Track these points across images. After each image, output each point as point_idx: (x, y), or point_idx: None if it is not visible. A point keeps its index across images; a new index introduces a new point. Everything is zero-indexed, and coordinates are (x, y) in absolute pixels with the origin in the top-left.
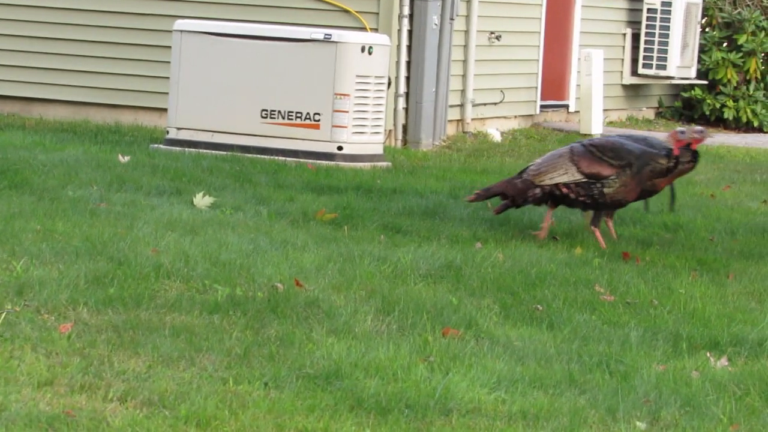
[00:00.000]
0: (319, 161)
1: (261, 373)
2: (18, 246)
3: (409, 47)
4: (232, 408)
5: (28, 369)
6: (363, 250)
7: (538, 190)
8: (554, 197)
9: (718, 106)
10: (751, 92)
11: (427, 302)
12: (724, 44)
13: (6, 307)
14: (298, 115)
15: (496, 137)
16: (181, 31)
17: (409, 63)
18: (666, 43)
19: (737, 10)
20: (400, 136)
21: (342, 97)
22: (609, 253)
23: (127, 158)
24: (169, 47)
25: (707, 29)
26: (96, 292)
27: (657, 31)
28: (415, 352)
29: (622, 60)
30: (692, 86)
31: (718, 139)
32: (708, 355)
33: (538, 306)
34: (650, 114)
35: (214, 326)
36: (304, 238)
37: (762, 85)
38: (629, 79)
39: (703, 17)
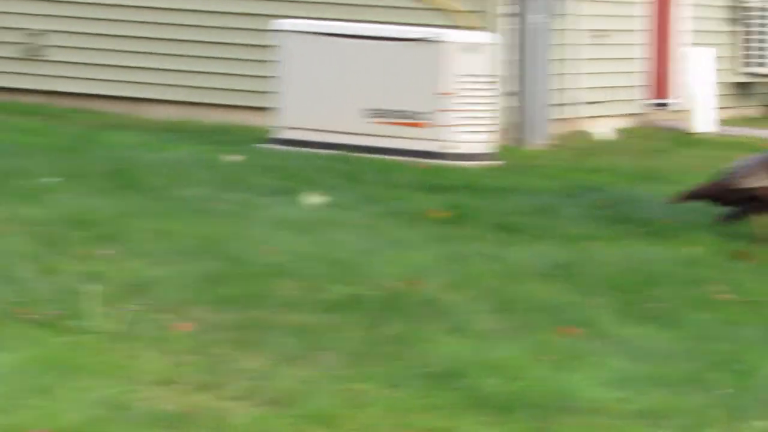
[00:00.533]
0: (426, 160)
1: (380, 371)
2: (135, 245)
3: (515, 46)
4: (352, 406)
5: (149, 367)
6: (476, 248)
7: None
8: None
9: None
10: None
11: (542, 300)
12: None
13: (126, 306)
14: (404, 114)
15: (604, 136)
16: (287, 31)
17: (515, 61)
18: None
19: None
20: (507, 134)
21: (447, 96)
22: (723, 252)
23: (237, 158)
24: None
25: None
26: (213, 291)
27: (765, 29)
28: (534, 350)
29: (730, 58)
30: None
31: None
32: None
33: (655, 305)
34: (757, 112)
35: (332, 325)
36: (416, 236)
37: None
38: (736, 77)
39: None
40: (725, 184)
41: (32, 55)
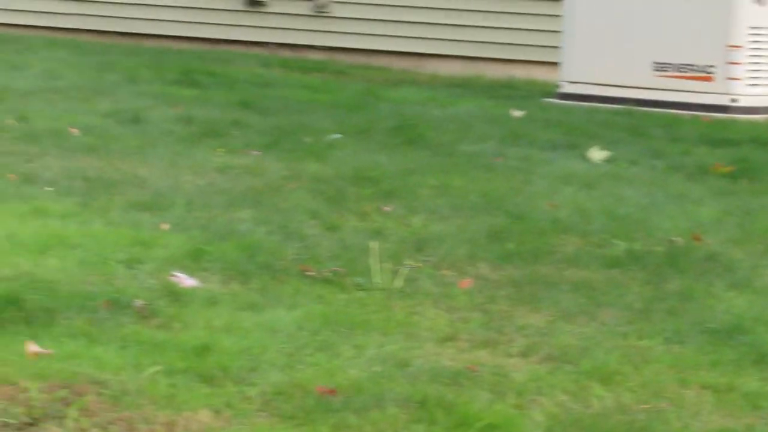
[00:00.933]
0: (712, 114)
1: (662, 327)
2: (415, 201)
3: None
4: (634, 363)
5: (429, 324)
6: (761, 203)
7: None
8: None
9: None
10: None
11: None
12: None
13: (406, 263)
14: (691, 67)
15: None
16: None
17: None
18: None
19: None
20: None
21: (735, 48)
22: None
23: (520, 113)
24: (561, 1)
25: None
26: (494, 247)
27: None
28: None
29: None
30: None
31: None
32: None
33: None
34: None
35: (613, 281)
36: (700, 191)
37: None
38: None
39: None
40: None
41: (318, 12)
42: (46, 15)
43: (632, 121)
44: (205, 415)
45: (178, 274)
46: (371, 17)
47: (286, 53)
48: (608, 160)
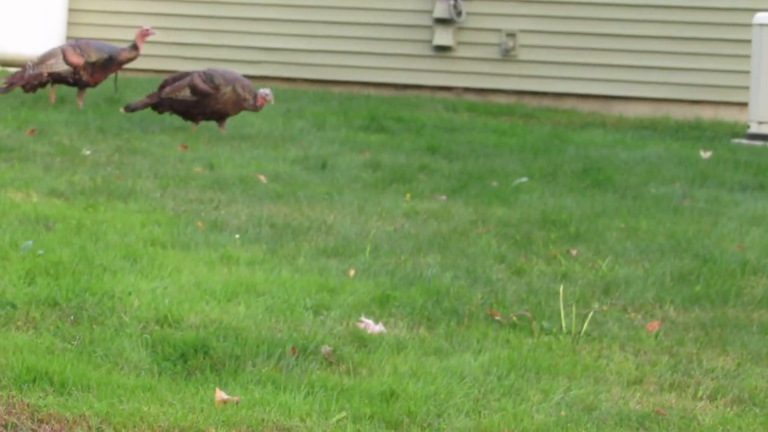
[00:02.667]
0: None
1: None
2: (603, 244)
3: None
4: None
5: (617, 368)
6: None
7: None
8: None
9: None
10: None
11: None
12: None
13: (593, 306)
14: None
15: None
16: (762, 24)
17: None
18: None
19: None
20: None
21: None
22: None
23: (708, 154)
24: (749, 41)
25: None
26: (682, 289)
27: None
28: None
29: None
30: None
31: None
32: None
33: None
34: None
35: None
36: None
37: None
38: None
39: None
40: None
41: (505, 56)
42: (234, 63)
43: None
44: None
45: (365, 320)
46: (558, 60)
47: (473, 97)
48: None
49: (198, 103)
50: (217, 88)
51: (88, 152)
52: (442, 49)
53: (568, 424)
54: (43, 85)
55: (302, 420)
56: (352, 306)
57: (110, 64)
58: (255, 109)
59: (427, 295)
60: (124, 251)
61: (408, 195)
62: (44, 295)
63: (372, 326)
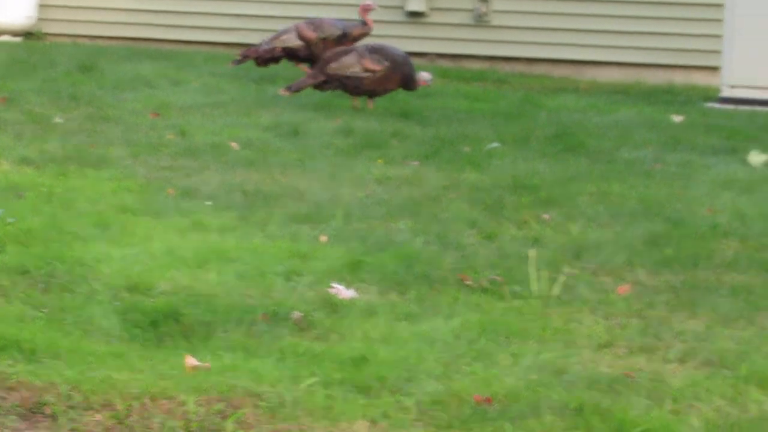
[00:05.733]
0: None
1: None
2: (574, 209)
3: None
4: None
5: (587, 331)
6: None
7: None
8: None
9: None
10: None
11: None
12: None
13: (564, 270)
14: None
15: None
16: None
17: None
18: None
19: None
20: None
21: None
22: None
23: (680, 118)
24: (721, 5)
25: None
26: (652, 253)
27: None
28: None
29: None
30: None
31: None
32: None
33: None
34: None
35: None
36: None
37: None
38: None
39: None
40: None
41: (478, 21)
42: (206, 30)
43: None
44: (361, 426)
45: (336, 286)
46: (530, 25)
47: (446, 63)
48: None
49: (367, 80)
50: (392, 66)
51: (59, 120)
52: (415, 15)
53: (538, 388)
54: (275, 59)
55: (272, 386)
56: (323, 272)
57: (343, 39)
58: (414, 89)
59: (399, 260)
60: (95, 219)
61: (380, 161)
62: (14, 263)
63: (343, 292)
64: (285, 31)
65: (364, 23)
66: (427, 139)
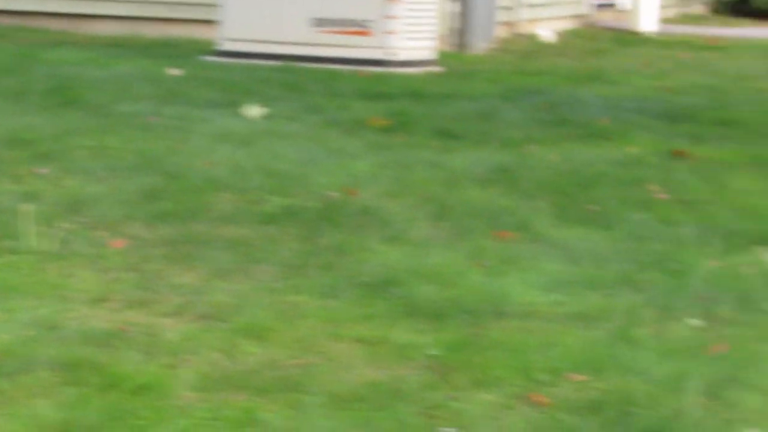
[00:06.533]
0: (371, 68)
1: (316, 283)
2: (71, 163)
3: None
4: (287, 319)
5: (82, 286)
6: (416, 156)
7: None
8: None
9: None
10: None
11: (480, 206)
12: None
13: (60, 225)
14: (350, 22)
15: (548, 38)
16: None
17: None
18: None
19: None
20: (451, 39)
21: (392, 2)
22: (661, 152)
23: (178, 71)
24: None
25: None
26: (149, 207)
27: None
28: (470, 257)
29: None
30: None
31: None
32: (763, 249)
33: (591, 206)
34: (703, 10)
35: (269, 238)
36: (357, 146)
37: None
38: None
39: None
40: None
41: None
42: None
43: (291, 77)
44: None
45: None
46: None
47: None
48: (266, 117)
49: None
50: None
51: None
52: None
53: (33, 344)
54: None
55: None
56: None
57: None
58: None
59: None
60: None
61: None
62: None
63: None
64: None
65: None
66: None
